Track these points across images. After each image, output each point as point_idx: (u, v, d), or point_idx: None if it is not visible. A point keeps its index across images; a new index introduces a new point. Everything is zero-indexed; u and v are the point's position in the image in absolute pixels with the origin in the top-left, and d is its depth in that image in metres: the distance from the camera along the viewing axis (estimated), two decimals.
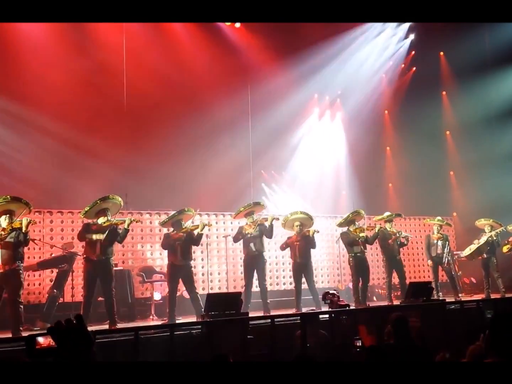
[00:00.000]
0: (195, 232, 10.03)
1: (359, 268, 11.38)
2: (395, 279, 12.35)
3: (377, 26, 16.84)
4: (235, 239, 11.10)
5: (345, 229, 11.69)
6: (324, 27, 13.94)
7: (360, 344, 7.37)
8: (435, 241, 12.51)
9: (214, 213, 12.75)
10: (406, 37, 17.74)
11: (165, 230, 10.61)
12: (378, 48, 17.39)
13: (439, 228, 12.71)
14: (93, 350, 2.07)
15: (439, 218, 13.00)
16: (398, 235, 11.93)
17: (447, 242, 12.60)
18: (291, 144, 16.77)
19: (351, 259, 11.51)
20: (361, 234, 11.34)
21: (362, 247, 11.39)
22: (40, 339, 2.01)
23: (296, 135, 17.01)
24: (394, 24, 17.16)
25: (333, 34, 15.36)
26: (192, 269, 10.19)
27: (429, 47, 17.13)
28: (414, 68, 18.05)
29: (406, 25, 17.45)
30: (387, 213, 12.48)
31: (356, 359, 7.18)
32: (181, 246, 9.82)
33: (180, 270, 9.81)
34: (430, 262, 12.49)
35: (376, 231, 11.59)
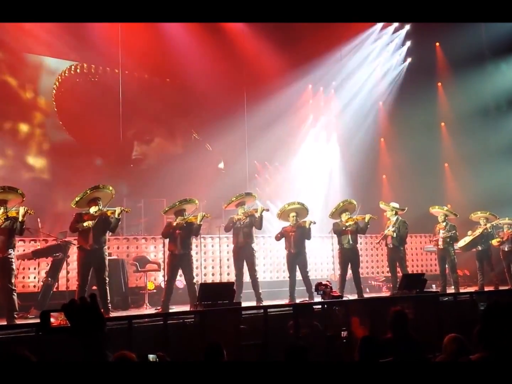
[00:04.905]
0: (195, 222, 10.01)
1: (346, 259, 11.30)
2: (399, 272, 11.94)
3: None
4: (226, 229, 11.08)
5: (337, 219, 11.61)
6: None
7: (347, 335, 7.43)
8: (438, 231, 12.31)
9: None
10: (401, 27, 17.68)
11: None
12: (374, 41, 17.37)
13: (444, 217, 12.30)
14: (105, 330, 2.08)
15: (445, 207, 12.67)
16: (397, 225, 11.64)
17: (450, 233, 12.14)
18: (285, 136, 16.68)
19: (339, 250, 11.51)
20: (348, 223, 11.20)
21: (350, 238, 11.22)
22: (51, 319, 2.03)
23: (290, 126, 16.91)
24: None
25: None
26: (193, 258, 10.21)
27: (425, 38, 17.04)
28: (410, 59, 18.00)
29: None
30: (394, 204, 12.07)
31: (341, 349, 7.27)
32: (181, 235, 9.86)
33: (179, 259, 9.85)
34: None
35: (366, 220, 11.26)
